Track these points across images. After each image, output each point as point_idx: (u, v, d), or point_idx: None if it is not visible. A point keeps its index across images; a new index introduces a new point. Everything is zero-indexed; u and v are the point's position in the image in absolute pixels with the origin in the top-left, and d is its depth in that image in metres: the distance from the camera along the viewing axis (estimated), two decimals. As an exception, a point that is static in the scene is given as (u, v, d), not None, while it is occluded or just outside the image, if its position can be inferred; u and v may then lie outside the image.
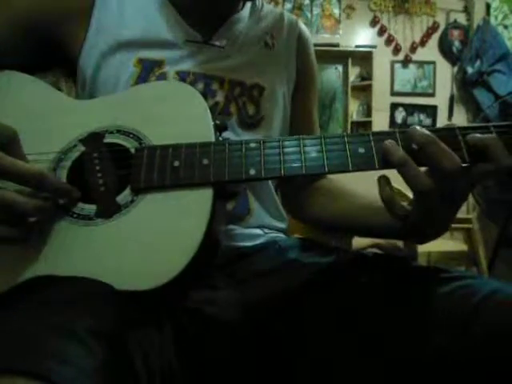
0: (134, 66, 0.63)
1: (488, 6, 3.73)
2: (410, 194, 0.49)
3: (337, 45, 3.65)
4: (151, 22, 0.66)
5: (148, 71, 0.63)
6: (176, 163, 0.50)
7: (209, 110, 0.54)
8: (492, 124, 0.47)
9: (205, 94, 0.58)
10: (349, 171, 0.47)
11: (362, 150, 0.47)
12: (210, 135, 0.52)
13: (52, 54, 0.66)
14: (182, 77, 0.64)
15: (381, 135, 0.48)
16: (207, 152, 0.50)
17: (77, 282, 0.44)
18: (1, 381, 0.30)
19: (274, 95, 0.70)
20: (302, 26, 0.78)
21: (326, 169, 0.47)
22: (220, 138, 0.53)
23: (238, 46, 0.69)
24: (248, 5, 0.73)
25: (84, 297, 0.42)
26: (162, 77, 0.63)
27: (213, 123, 0.53)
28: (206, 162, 0.49)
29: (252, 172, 0.48)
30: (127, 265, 0.46)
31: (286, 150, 0.49)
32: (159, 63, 0.64)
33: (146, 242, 0.47)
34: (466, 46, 3.71)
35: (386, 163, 0.46)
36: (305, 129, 0.77)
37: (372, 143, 0.48)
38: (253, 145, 0.50)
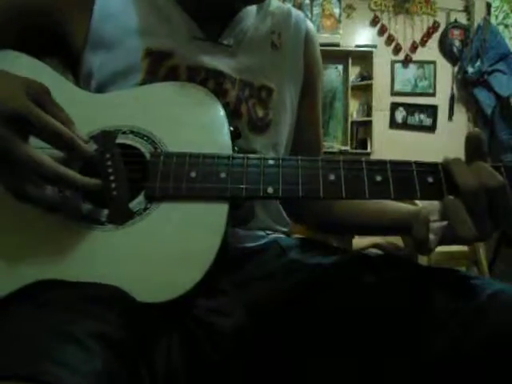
0: (143, 57, 0.61)
1: (488, 6, 3.72)
2: None
3: (337, 44, 3.65)
4: (160, 11, 0.64)
5: (158, 62, 0.61)
6: (193, 174, 0.49)
7: (227, 119, 0.53)
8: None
9: (216, 93, 0.57)
10: (365, 198, 0.47)
11: (378, 178, 0.47)
12: (227, 144, 0.51)
13: (52, 43, 0.63)
14: (194, 73, 0.62)
15: (396, 165, 0.48)
16: (225, 165, 0.49)
17: (79, 286, 0.43)
18: None
19: (282, 97, 0.69)
20: (309, 24, 0.77)
21: (344, 194, 0.47)
22: (235, 148, 0.52)
23: (246, 45, 0.67)
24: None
25: (86, 301, 0.41)
26: (173, 70, 0.61)
27: (230, 135, 0.52)
28: (223, 175, 0.48)
29: (270, 190, 0.48)
30: (138, 275, 0.45)
31: (305, 171, 0.48)
32: (169, 54, 0.61)
33: (159, 254, 0.46)
34: (466, 46, 3.71)
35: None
36: (310, 132, 0.77)
37: (389, 172, 0.47)
38: (271, 162, 0.49)
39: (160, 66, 0.61)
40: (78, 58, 0.63)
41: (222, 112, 0.54)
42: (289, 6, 0.78)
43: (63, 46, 0.63)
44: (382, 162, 0.48)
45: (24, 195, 0.46)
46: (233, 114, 0.61)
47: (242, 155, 0.50)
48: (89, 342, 0.35)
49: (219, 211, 0.48)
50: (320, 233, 0.92)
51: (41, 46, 0.63)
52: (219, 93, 0.60)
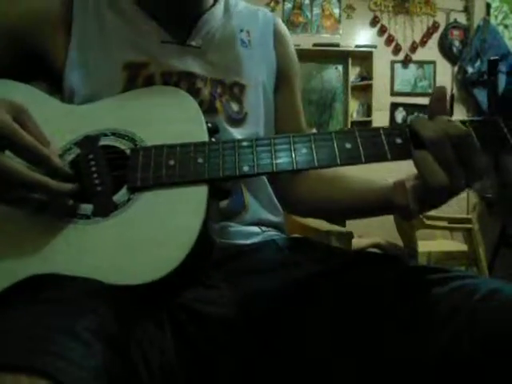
0: (121, 71, 0.64)
1: (488, 6, 3.72)
2: None
3: (337, 45, 3.65)
4: (129, 23, 0.66)
5: (135, 74, 0.64)
6: (171, 162, 0.51)
7: (201, 113, 0.56)
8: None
9: (190, 93, 0.59)
10: (337, 165, 0.50)
11: (348, 146, 0.50)
12: (204, 136, 0.54)
13: (34, 65, 0.66)
14: (167, 78, 0.64)
15: (365, 132, 0.51)
16: (202, 151, 0.51)
17: (78, 282, 0.44)
18: (4, 378, 0.30)
19: (256, 91, 0.71)
20: (278, 20, 0.79)
21: (316, 163, 0.50)
22: (213, 139, 0.55)
23: (215, 45, 0.69)
24: (221, 1, 0.73)
25: (85, 296, 0.42)
26: (149, 79, 0.64)
27: (206, 126, 0.54)
28: (200, 160, 0.51)
29: (245, 168, 0.50)
30: (124, 261, 0.47)
31: (277, 147, 0.51)
32: (144, 65, 0.64)
33: (143, 239, 0.48)
34: (466, 46, 3.71)
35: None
36: (291, 120, 0.78)
37: (358, 139, 0.50)
38: (245, 143, 0.52)
39: (137, 77, 0.64)
40: (59, 78, 0.65)
41: (197, 108, 0.57)
42: (256, 6, 0.80)
43: (45, 68, 0.66)
44: (351, 131, 0.51)
45: (7, 201, 0.48)
46: (209, 111, 0.64)
47: (217, 141, 0.53)
48: (87, 336, 0.36)
49: (199, 194, 0.50)
50: (307, 217, 0.93)
51: (28, 71, 0.66)
52: (192, 92, 0.63)
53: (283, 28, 0.79)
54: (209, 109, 0.64)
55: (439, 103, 0.50)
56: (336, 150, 0.50)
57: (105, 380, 0.34)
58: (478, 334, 0.43)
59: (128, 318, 0.43)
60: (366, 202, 0.65)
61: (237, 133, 0.66)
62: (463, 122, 0.49)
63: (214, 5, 0.72)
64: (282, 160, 0.50)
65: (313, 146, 0.50)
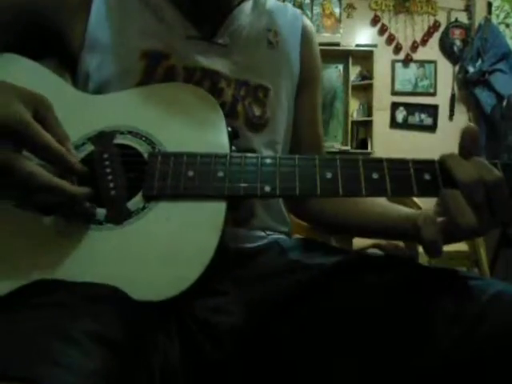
0: (139, 58, 0.61)
1: (489, 5, 3.72)
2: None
3: (337, 44, 3.65)
4: (154, 12, 0.64)
5: (154, 64, 0.61)
6: (190, 173, 0.49)
7: (223, 117, 0.54)
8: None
9: (212, 93, 0.57)
10: (362, 196, 0.48)
11: (375, 176, 0.48)
12: (225, 144, 0.52)
13: (51, 44, 0.64)
14: (190, 73, 0.62)
15: (395, 163, 0.48)
16: (222, 164, 0.49)
17: (75, 285, 0.43)
18: None
19: (278, 96, 0.69)
20: (306, 20, 0.77)
21: (341, 192, 0.48)
22: (233, 148, 0.53)
23: (242, 44, 0.67)
24: None
25: (84, 301, 0.41)
26: (170, 71, 0.61)
27: (227, 131, 0.52)
28: (221, 174, 0.49)
29: (267, 189, 0.48)
30: (139, 274, 0.46)
31: (302, 169, 0.49)
32: (165, 55, 0.62)
33: (159, 252, 0.47)
34: (467, 45, 3.71)
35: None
36: (309, 127, 0.76)
37: (385, 170, 0.48)
38: (269, 161, 0.49)
39: (157, 67, 0.61)
40: (75, 59, 0.63)
41: (219, 112, 0.54)
42: (287, 3, 0.78)
43: (61, 47, 0.63)
44: (379, 160, 0.48)
45: (21, 203, 0.47)
46: (230, 114, 0.62)
47: (239, 154, 0.51)
48: (86, 342, 0.35)
49: (217, 209, 0.48)
50: (320, 230, 0.92)
51: (40, 46, 0.63)
52: (215, 92, 0.61)
53: (311, 29, 0.77)
54: (230, 112, 0.62)
55: (473, 144, 0.48)
56: (362, 179, 0.47)
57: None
58: (482, 336, 0.43)
59: (132, 323, 0.42)
60: (382, 225, 0.64)
61: (255, 139, 0.65)
62: (494, 164, 0.47)
63: (243, 0, 0.69)
64: (306, 185, 0.48)
65: (339, 173, 0.48)
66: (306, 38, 0.75)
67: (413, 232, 0.54)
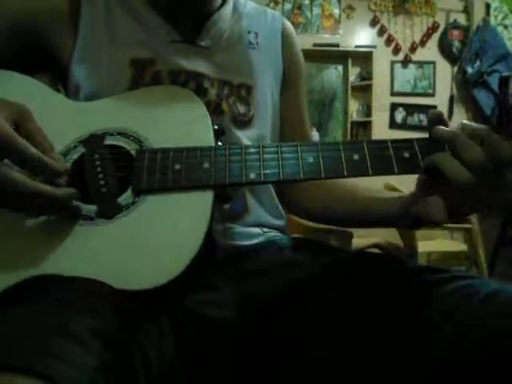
0: (128, 67, 0.63)
1: (488, 6, 3.72)
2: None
3: (337, 45, 3.65)
4: (138, 19, 0.66)
5: (141, 71, 0.63)
6: (177, 166, 0.51)
7: (208, 114, 0.55)
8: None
9: (197, 93, 0.59)
10: (344, 176, 0.49)
11: (356, 157, 0.49)
12: (210, 139, 0.53)
13: (39, 58, 0.65)
14: (175, 76, 0.64)
15: (374, 143, 0.50)
16: (208, 156, 0.51)
17: (75, 282, 0.44)
18: (1, 379, 0.30)
19: (263, 93, 0.71)
20: (286, 22, 0.79)
21: (323, 174, 0.49)
22: (219, 143, 0.54)
23: (223, 46, 0.69)
24: (230, 2, 0.73)
25: (83, 296, 0.42)
26: (156, 76, 0.63)
27: (212, 128, 0.54)
28: (206, 165, 0.50)
29: (252, 176, 0.50)
30: (128, 264, 0.47)
31: (285, 155, 0.51)
32: (151, 61, 0.64)
33: (148, 243, 0.48)
34: (465, 46, 3.71)
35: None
36: (296, 123, 0.78)
37: (365, 150, 0.49)
38: (252, 150, 0.51)
39: (144, 74, 0.63)
40: (66, 72, 0.65)
41: (204, 110, 0.56)
42: (265, 7, 0.80)
43: (52, 61, 0.65)
44: (359, 142, 0.50)
45: (12, 208, 0.47)
46: (215, 112, 0.64)
47: (224, 146, 0.53)
48: (85, 336, 0.36)
49: (204, 200, 0.50)
50: (318, 232, 0.93)
51: (32, 63, 0.65)
52: (200, 92, 0.63)
53: (291, 30, 0.79)
54: (215, 110, 0.64)
55: (441, 118, 0.49)
56: (343, 161, 0.49)
57: (103, 381, 0.34)
58: (478, 336, 0.42)
59: (129, 318, 0.43)
60: (372, 210, 0.63)
61: (243, 135, 0.66)
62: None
63: (223, 5, 0.71)
64: (289, 169, 0.50)
65: (320, 156, 0.50)
66: (286, 38, 0.77)
67: (403, 208, 0.55)
